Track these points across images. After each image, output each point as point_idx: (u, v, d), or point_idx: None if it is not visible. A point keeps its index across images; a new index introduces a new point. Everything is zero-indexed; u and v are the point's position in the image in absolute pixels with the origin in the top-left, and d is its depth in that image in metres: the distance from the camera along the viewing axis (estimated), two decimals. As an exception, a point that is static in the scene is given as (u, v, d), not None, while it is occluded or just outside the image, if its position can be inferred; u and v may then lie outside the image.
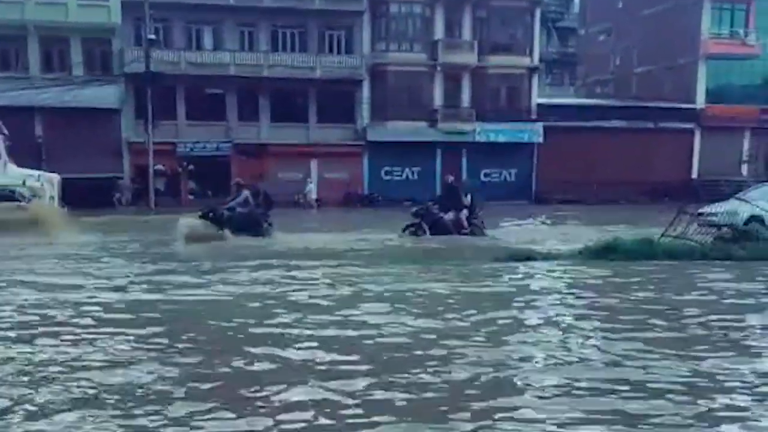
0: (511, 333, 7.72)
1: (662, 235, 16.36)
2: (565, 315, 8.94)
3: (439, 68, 39.10)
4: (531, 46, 40.62)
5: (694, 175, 42.14)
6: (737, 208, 20.34)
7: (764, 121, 42.58)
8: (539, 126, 39.41)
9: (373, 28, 38.85)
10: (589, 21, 53.06)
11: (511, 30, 40.26)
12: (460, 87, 39.84)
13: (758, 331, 8.15)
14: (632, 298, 10.32)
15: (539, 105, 40.49)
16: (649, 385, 5.83)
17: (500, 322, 8.35)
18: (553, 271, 13.45)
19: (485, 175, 39.64)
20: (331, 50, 38.73)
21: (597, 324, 8.38)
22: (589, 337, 7.59)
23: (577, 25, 56.53)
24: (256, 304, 9.41)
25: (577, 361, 6.56)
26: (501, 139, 39.41)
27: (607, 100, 46.08)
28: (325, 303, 9.51)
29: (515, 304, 9.58)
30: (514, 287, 11.40)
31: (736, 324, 8.35)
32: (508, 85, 40.38)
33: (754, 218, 19.19)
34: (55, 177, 24.53)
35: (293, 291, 10.54)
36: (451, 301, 9.81)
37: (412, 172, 39.12)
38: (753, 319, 8.72)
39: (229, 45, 37.50)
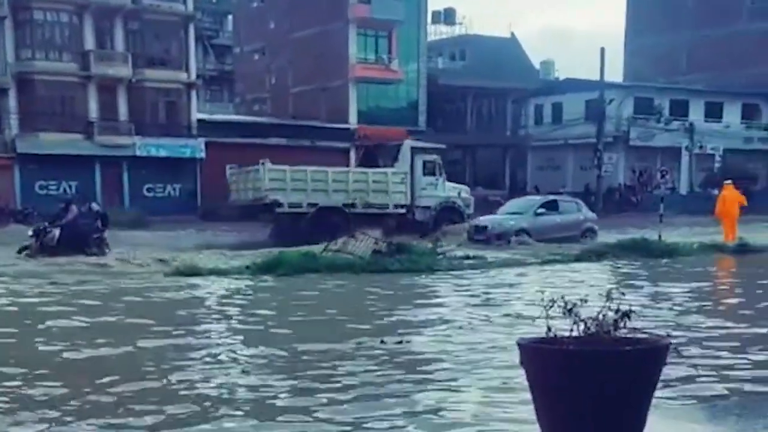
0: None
1: (324, 250, 17.34)
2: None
3: (92, 79, 37.46)
4: (187, 62, 40.35)
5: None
6: None
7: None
8: (201, 141, 39.22)
9: (16, 35, 36.31)
10: (243, 39, 53.60)
11: (165, 44, 39.86)
12: (117, 100, 38.43)
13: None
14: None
15: (200, 121, 40.33)
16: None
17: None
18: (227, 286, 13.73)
19: (149, 189, 38.75)
20: (-30, 56, 35.51)
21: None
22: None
23: (232, 43, 57.06)
24: None
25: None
26: (162, 153, 38.65)
27: (266, 117, 47.09)
28: None
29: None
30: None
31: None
32: (167, 100, 39.94)
33: None
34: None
35: None
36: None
37: (70, 186, 36.43)
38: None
39: None
